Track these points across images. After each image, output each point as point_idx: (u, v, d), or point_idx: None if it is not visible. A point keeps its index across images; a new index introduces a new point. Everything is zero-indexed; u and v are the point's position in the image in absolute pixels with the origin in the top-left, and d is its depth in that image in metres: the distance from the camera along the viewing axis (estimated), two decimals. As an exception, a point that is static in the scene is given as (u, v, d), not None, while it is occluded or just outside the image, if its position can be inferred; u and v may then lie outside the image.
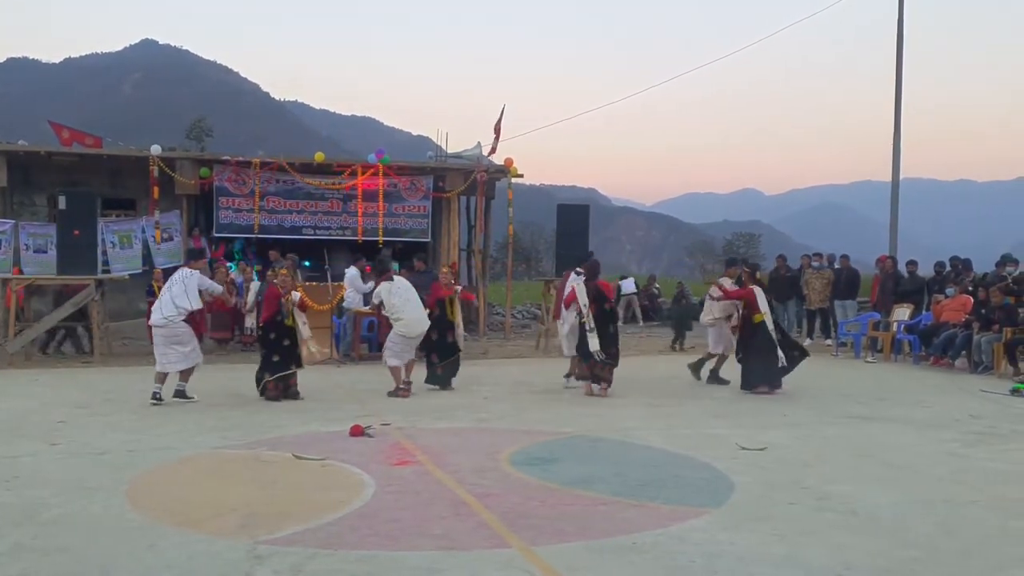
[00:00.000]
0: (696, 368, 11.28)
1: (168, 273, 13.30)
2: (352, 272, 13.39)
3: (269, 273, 14.21)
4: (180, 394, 9.38)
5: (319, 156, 16.58)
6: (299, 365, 9.72)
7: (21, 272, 14.29)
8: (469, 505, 5.33)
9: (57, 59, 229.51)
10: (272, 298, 9.74)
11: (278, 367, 9.53)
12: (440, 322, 10.41)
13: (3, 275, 13.88)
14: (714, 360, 11.06)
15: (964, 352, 12.94)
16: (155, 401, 9.10)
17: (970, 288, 14.00)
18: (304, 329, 9.86)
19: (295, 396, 9.62)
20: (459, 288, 11.10)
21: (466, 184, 17.22)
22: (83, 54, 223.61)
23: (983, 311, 12.89)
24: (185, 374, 9.46)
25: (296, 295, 9.84)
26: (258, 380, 9.62)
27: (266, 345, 9.67)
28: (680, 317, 16.41)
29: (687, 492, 5.73)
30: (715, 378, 10.97)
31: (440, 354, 10.47)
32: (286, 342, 9.61)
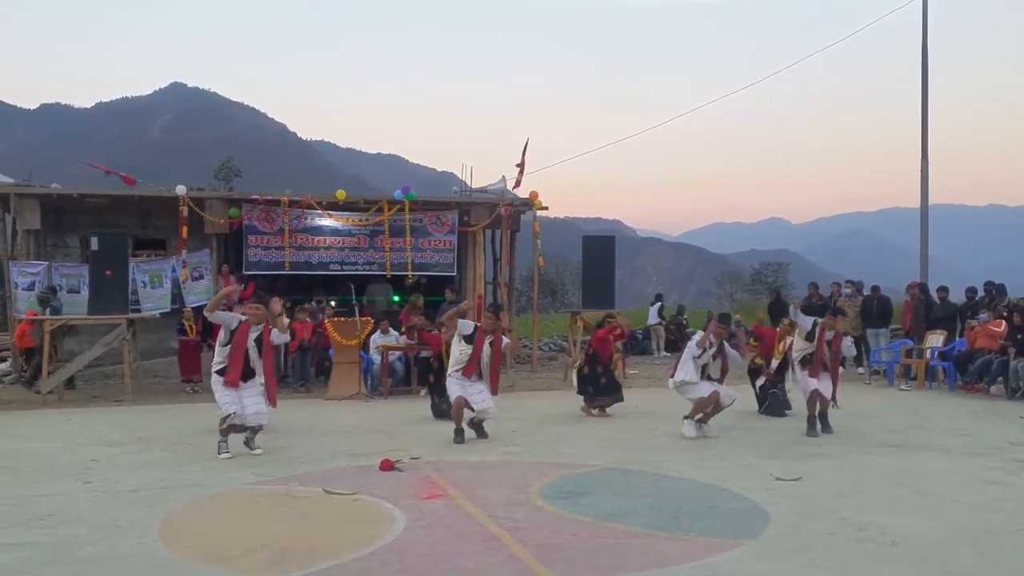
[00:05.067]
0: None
1: (199, 311, 13.48)
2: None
3: (297, 310, 14.34)
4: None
5: (340, 194, 16.76)
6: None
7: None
8: (500, 539, 5.28)
9: (89, 104, 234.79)
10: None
11: None
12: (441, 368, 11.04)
13: (37, 316, 14.09)
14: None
15: (1000, 378, 12.73)
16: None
17: (1004, 313, 13.78)
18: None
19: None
20: None
21: (491, 218, 17.34)
22: (114, 98, 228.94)
23: (1020, 336, 12.68)
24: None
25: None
26: None
27: None
28: None
29: (722, 523, 5.63)
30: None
31: (440, 394, 10.82)
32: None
